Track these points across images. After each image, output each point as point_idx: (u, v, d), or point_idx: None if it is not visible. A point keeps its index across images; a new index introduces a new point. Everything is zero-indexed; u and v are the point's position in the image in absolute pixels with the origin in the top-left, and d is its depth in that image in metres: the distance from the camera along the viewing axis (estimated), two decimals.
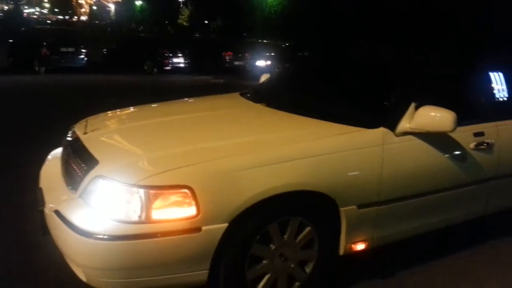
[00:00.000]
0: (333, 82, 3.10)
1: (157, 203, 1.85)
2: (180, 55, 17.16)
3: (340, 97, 2.85)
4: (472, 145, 2.60)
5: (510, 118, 2.84)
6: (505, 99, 2.88)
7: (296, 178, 2.07)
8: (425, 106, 2.36)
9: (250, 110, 2.94)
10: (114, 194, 1.91)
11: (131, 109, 3.21)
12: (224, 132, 2.42)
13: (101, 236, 1.83)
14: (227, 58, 18.54)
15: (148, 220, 1.84)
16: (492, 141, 2.67)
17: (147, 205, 1.84)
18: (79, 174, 2.13)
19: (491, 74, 2.88)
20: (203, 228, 1.88)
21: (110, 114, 3.08)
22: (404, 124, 2.37)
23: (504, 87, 2.89)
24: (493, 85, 2.86)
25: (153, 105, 3.31)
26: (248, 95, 3.34)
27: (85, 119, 2.87)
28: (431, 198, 2.52)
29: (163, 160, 2.01)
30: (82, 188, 2.03)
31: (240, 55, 18.08)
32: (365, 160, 2.27)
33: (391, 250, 2.58)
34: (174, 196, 1.87)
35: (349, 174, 2.22)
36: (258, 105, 2.97)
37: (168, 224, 1.85)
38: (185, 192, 1.86)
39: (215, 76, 15.65)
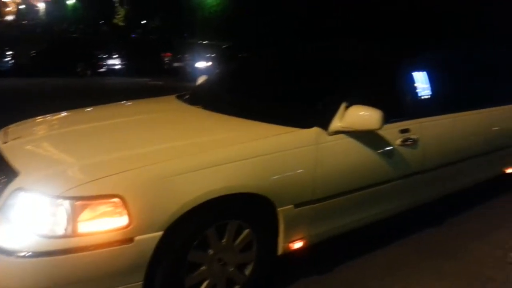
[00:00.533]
0: (268, 83, 3.14)
1: (84, 214, 1.75)
2: (115, 56, 16.57)
3: (275, 98, 2.90)
4: (398, 141, 2.74)
5: (433, 115, 3.03)
6: (428, 97, 3.06)
7: (233, 181, 2.06)
8: (354, 105, 2.45)
9: (185, 113, 2.90)
10: (37, 207, 1.78)
11: (59, 114, 3.04)
12: (158, 137, 2.36)
13: (24, 254, 1.71)
14: (166, 59, 18.16)
15: (74, 234, 1.74)
16: (417, 137, 2.84)
17: (73, 218, 1.73)
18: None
19: (415, 74, 3.05)
20: (136, 238, 1.81)
21: (35, 121, 2.89)
22: (336, 124, 2.44)
23: (427, 85, 3.07)
24: (416, 84, 3.03)
25: (83, 110, 3.15)
26: (185, 97, 3.29)
27: (6, 127, 2.67)
28: (364, 193, 2.63)
29: (91, 168, 1.91)
30: (1, 203, 1.88)
31: (179, 56, 17.78)
32: (300, 159, 2.32)
33: (327, 245, 2.65)
34: (103, 206, 1.78)
35: (285, 174, 2.26)
36: (194, 107, 2.94)
37: (97, 237, 1.76)
38: (115, 202, 1.78)
39: (154, 78, 15.28)
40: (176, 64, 17.59)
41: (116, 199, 1.78)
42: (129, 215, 1.79)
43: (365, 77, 2.84)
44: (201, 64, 16.41)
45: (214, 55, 16.93)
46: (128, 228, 1.79)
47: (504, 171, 3.93)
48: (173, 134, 2.42)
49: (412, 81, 3.01)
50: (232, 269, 2.20)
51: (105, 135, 2.43)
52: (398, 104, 2.92)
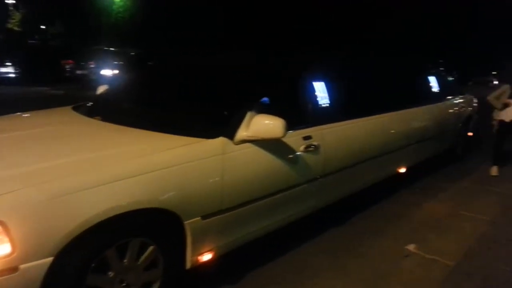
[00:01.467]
0: (172, 92, 3.07)
1: None
2: (8, 64, 15.05)
3: (180, 108, 2.84)
4: (302, 148, 2.84)
5: (333, 122, 3.20)
6: (328, 104, 3.23)
7: (134, 197, 1.96)
8: (259, 114, 2.49)
9: (82, 125, 2.71)
10: None
11: None
12: (50, 152, 2.16)
13: None
14: (67, 66, 16.95)
15: None
16: (318, 143, 2.97)
17: None
18: None
19: (316, 83, 3.20)
20: (21, 267, 1.63)
21: None
22: (242, 133, 2.46)
23: (327, 94, 3.24)
24: (317, 92, 3.18)
25: None
26: (82, 108, 3.08)
27: None
28: (271, 200, 2.68)
29: None
30: None
31: (83, 63, 16.74)
32: (206, 170, 2.29)
33: (236, 253, 2.65)
34: None
35: (191, 186, 2.21)
36: (92, 119, 2.76)
37: None
38: None
39: (54, 87, 14.17)
40: (79, 72, 16.52)
41: None
42: (12, 241, 1.61)
43: (269, 86, 2.92)
44: (107, 72, 15.62)
45: (122, 62, 16.23)
46: (12, 256, 1.60)
47: (398, 171, 4.31)
48: (67, 149, 2.23)
49: (313, 90, 3.15)
50: None
51: None
52: (300, 112, 3.04)
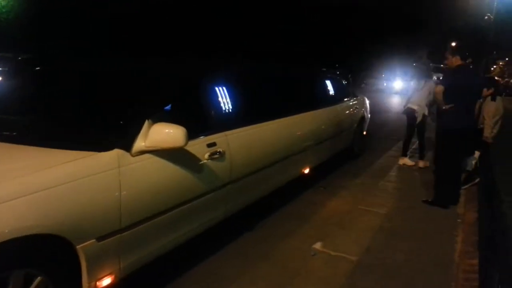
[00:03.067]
0: (60, 101, 2.77)
1: None
2: None
3: (69, 118, 2.57)
4: (206, 156, 2.77)
5: (236, 127, 3.18)
6: (231, 110, 3.21)
7: (10, 224, 1.70)
8: (158, 123, 2.35)
9: None
10: None
11: None
12: None
13: None
14: None
15: None
16: (224, 149, 2.93)
17: None
18: None
19: (218, 88, 3.15)
20: None
21: None
22: (140, 143, 2.30)
23: (230, 100, 3.21)
24: (220, 98, 3.14)
25: None
26: None
27: None
28: (176, 212, 2.56)
29: None
30: None
31: None
32: (100, 187, 2.09)
33: (146, 268, 2.48)
34: None
35: (83, 206, 1.99)
36: None
37: None
38: None
39: None
40: None
41: None
42: None
43: (169, 93, 2.80)
44: None
45: (7, 68, 14.55)
46: None
47: (303, 172, 4.46)
48: None
49: (215, 96, 3.10)
50: None
51: None
52: (203, 119, 2.96)
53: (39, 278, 1.85)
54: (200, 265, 2.96)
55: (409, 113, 6.04)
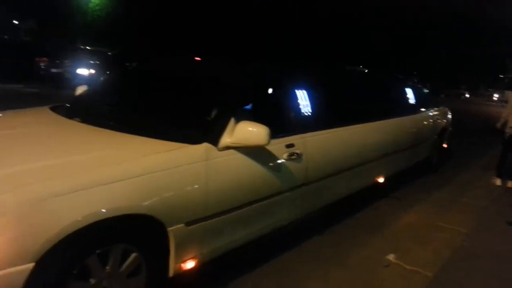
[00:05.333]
0: (155, 95, 3.01)
1: None
2: None
3: (163, 112, 2.79)
4: (285, 156, 2.85)
5: (315, 130, 3.22)
6: (310, 113, 3.26)
7: (115, 203, 1.91)
8: (243, 121, 2.48)
9: (61, 127, 2.64)
10: None
11: None
12: (29, 155, 2.08)
13: None
14: (42, 64, 16.37)
15: None
16: (301, 151, 2.99)
17: None
18: None
19: (299, 91, 3.23)
20: (1, 272, 1.56)
21: None
22: (226, 139, 2.44)
23: (309, 102, 3.27)
24: (299, 101, 3.20)
25: None
26: (61, 109, 2.99)
27: None
28: (255, 207, 2.67)
29: None
30: None
31: (58, 61, 16.21)
32: (190, 176, 2.26)
33: (224, 260, 2.62)
34: None
35: (175, 192, 2.17)
36: (72, 121, 2.69)
37: None
38: None
39: (28, 85, 13.72)
40: (54, 70, 15.98)
41: None
42: None
43: (253, 93, 2.93)
44: (83, 71, 15.21)
45: (98, 62, 15.87)
46: None
47: (377, 180, 4.38)
48: (46, 151, 2.15)
49: (296, 98, 3.17)
50: None
51: None
52: (283, 120, 3.05)
53: (134, 254, 2.05)
54: (273, 261, 3.04)
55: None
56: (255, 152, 2.59)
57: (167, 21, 22.20)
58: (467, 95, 22.39)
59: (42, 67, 16.25)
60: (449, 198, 4.94)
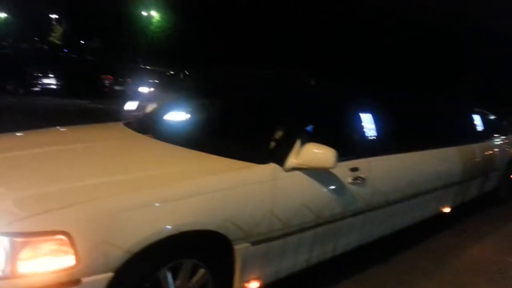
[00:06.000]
0: (223, 114, 3.10)
1: (26, 253, 1.56)
2: (51, 75, 15.66)
3: (231, 131, 2.86)
4: (349, 180, 2.80)
5: (380, 155, 3.15)
6: (375, 137, 3.19)
7: (187, 218, 1.95)
8: (310, 143, 2.47)
9: (135, 142, 2.77)
10: None
11: None
12: (107, 168, 2.20)
13: None
14: (106, 82, 17.46)
15: (14, 275, 1.54)
16: (366, 175, 2.92)
17: (13, 256, 1.54)
18: None
19: (363, 115, 3.18)
20: (84, 280, 1.64)
21: None
22: (292, 160, 2.44)
23: (375, 126, 3.21)
24: (364, 124, 3.16)
25: (19, 135, 2.89)
26: (134, 125, 3.15)
27: None
28: (318, 230, 2.63)
29: (32, 201, 1.73)
30: None
31: (121, 79, 17.22)
32: (257, 195, 2.27)
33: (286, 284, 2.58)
34: (47, 244, 1.60)
35: (242, 210, 2.19)
36: (145, 136, 2.82)
37: (40, 278, 1.57)
38: (60, 239, 1.61)
39: (92, 101, 14.62)
40: (117, 87, 16.97)
41: (61, 236, 1.61)
42: (76, 254, 1.62)
43: (319, 114, 2.93)
44: (144, 89, 15.97)
45: (158, 81, 16.61)
46: (75, 269, 1.62)
47: (442, 210, 4.17)
48: (123, 165, 2.27)
49: (360, 121, 3.13)
50: None
51: (48, 163, 2.22)
52: (348, 143, 3.00)
53: (202, 270, 2.09)
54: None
55: None
56: (320, 174, 2.57)
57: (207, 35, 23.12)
58: None
59: (106, 84, 17.29)
60: None
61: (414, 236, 3.95)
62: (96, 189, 1.87)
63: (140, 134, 2.88)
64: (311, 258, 2.70)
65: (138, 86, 15.92)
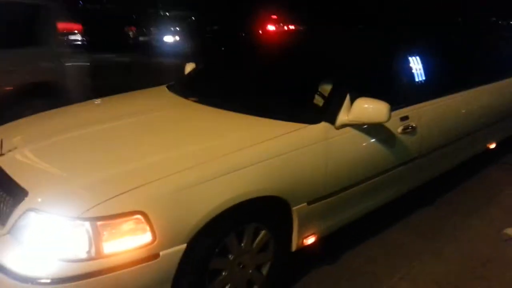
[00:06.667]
0: (268, 74, 3.04)
1: (108, 234, 1.68)
2: (76, 31, 15.57)
3: (279, 91, 2.81)
4: (399, 130, 2.76)
5: (428, 99, 3.06)
6: (423, 81, 3.08)
7: (250, 186, 2.01)
8: (360, 98, 2.41)
9: (185, 110, 2.78)
10: (53, 229, 1.68)
11: (49, 114, 2.86)
12: (164, 142, 2.22)
13: (45, 281, 1.62)
14: (130, 33, 17.26)
15: (99, 255, 1.66)
16: (415, 123, 2.87)
17: (97, 239, 1.66)
18: (4, 206, 1.85)
19: (410, 58, 3.05)
20: (161, 253, 1.76)
21: (21, 125, 2.71)
22: (343, 117, 2.41)
23: (422, 70, 3.08)
24: (411, 68, 3.04)
25: (74, 108, 2.98)
26: (178, 89, 3.16)
27: None
28: (369, 183, 2.65)
29: (106, 184, 1.81)
30: (11, 223, 1.76)
31: (144, 29, 16.99)
32: (312, 157, 2.29)
33: (335, 234, 2.68)
34: (126, 225, 1.71)
35: (298, 173, 2.23)
36: (192, 102, 2.83)
37: (123, 256, 1.69)
38: (137, 218, 1.71)
39: (119, 54, 14.60)
40: (141, 39, 16.79)
41: (138, 216, 1.71)
42: (152, 230, 1.73)
43: (365, 65, 2.84)
44: (169, 39, 15.78)
45: (180, 28, 16.30)
46: (153, 244, 1.73)
47: (488, 147, 4.09)
48: (181, 137, 2.30)
49: (408, 66, 3.02)
50: (251, 270, 2.20)
51: (108, 142, 2.27)
52: (397, 91, 2.92)
53: (264, 231, 2.18)
54: (382, 235, 3.04)
55: None
56: (370, 128, 2.55)
57: None
58: None
59: (130, 36, 17.12)
60: None
61: (456, 175, 3.87)
62: (163, 166, 1.91)
63: (187, 100, 2.88)
64: (364, 209, 2.77)
65: (163, 36, 15.74)
